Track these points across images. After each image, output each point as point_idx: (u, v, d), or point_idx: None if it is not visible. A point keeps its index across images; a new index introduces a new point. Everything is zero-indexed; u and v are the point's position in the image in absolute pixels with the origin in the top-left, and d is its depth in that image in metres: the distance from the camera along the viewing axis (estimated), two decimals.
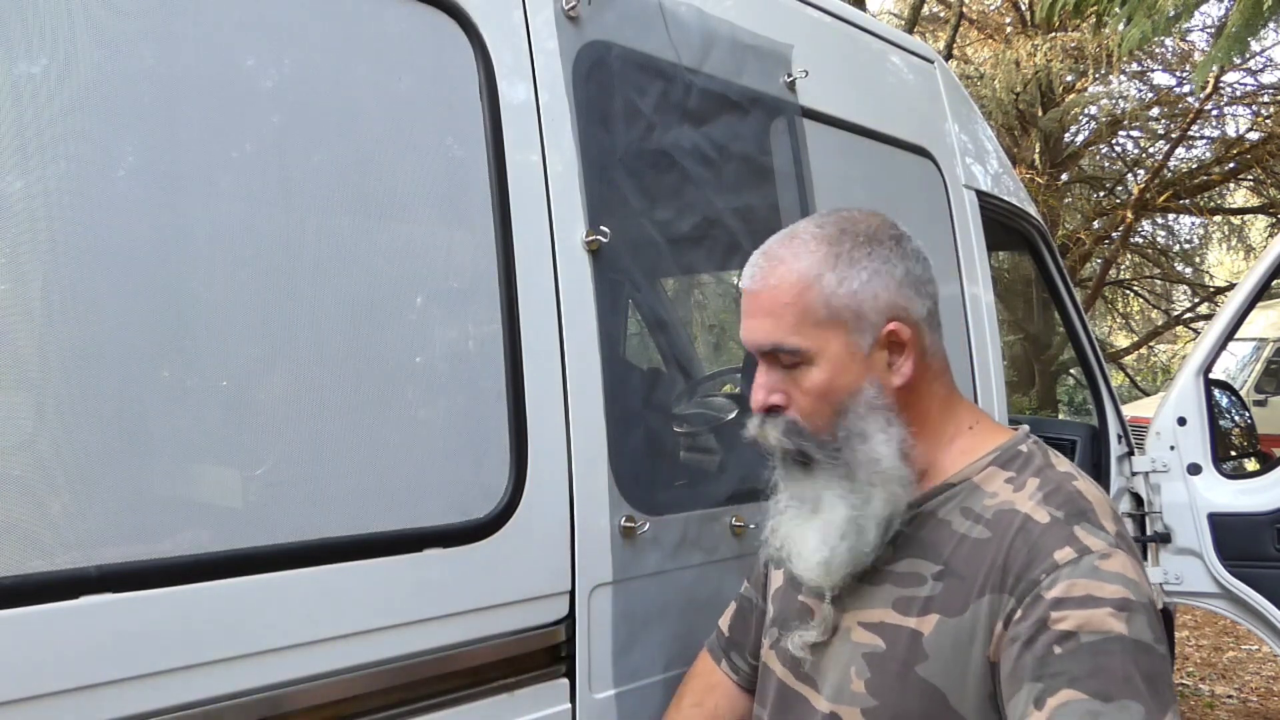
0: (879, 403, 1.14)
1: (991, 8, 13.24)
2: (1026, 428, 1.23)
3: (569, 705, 1.72)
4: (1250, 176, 12.36)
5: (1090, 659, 0.98)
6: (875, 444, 1.13)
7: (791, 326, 1.15)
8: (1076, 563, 1.03)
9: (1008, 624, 1.04)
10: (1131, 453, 3.52)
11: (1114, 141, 12.89)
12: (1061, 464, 1.16)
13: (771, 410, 1.19)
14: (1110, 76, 11.51)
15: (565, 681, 1.72)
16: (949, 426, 1.19)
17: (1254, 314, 3.43)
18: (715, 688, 1.59)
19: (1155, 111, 12.05)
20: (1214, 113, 11.75)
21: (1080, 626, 0.99)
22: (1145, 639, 0.99)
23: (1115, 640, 0.98)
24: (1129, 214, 11.57)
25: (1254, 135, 11.51)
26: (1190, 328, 13.63)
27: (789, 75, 2.29)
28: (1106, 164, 13.59)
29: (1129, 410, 4.93)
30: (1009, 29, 12.48)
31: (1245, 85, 11.40)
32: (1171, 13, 5.24)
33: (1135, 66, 11.68)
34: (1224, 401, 3.58)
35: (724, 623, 1.67)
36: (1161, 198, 11.68)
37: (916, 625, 1.11)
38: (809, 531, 1.17)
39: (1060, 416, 13.15)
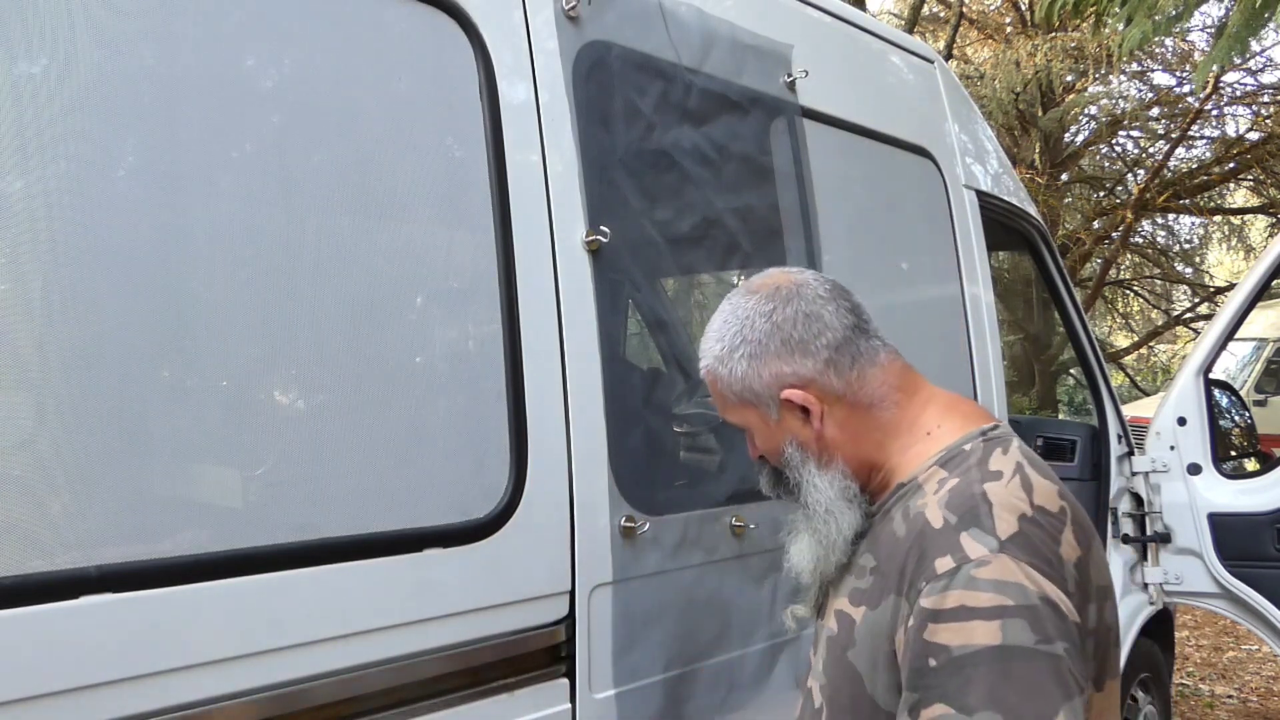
0: (802, 456, 1.29)
1: (991, 8, 13.24)
2: (987, 426, 1.27)
3: (569, 705, 1.72)
4: (1250, 176, 12.35)
5: (959, 673, 1.03)
6: (814, 487, 1.28)
7: (722, 408, 1.36)
8: (954, 573, 1.08)
9: (905, 627, 1.12)
10: (1131, 453, 3.51)
11: (1114, 141, 12.89)
12: (996, 463, 1.19)
13: (761, 460, 1.37)
14: (1110, 76, 11.51)
15: (565, 681, 1.72)
16: (901, 439, 1.28)
17: (1254, 314, 3.42)
18: None
19: (1155, 111, 12.04)
20: (1214, 113, 11.74)
21: (951, 640, 1.05)
22: (1023, 644, 1.03)
23: (985, 652, 1.03)
24: (1129, 214, 11.57)
25: (1254, 135, 11.51)
26: (1190, 328, 13.63)
27: (789, 75, 2.29)
28: (1106, 164, 13.58)
29: (1129, 410, 4.94)
30: (1009, 29, 12.47)
31: (1245, 85, 11.40)
32: (1172, 12, 5.24)
33: (1135, 66, 11.68)
34: (1224, 401, 3.58)
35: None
36: (1161, 198, 11.67)
37: (854, 614, 1.22)
38: (793, 546, 1.33)
39: (1060, 416, 13.15)
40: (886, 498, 1.28)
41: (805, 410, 1.26)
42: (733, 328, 1.32)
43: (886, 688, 1.15)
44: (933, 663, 1.06)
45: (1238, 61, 9.36)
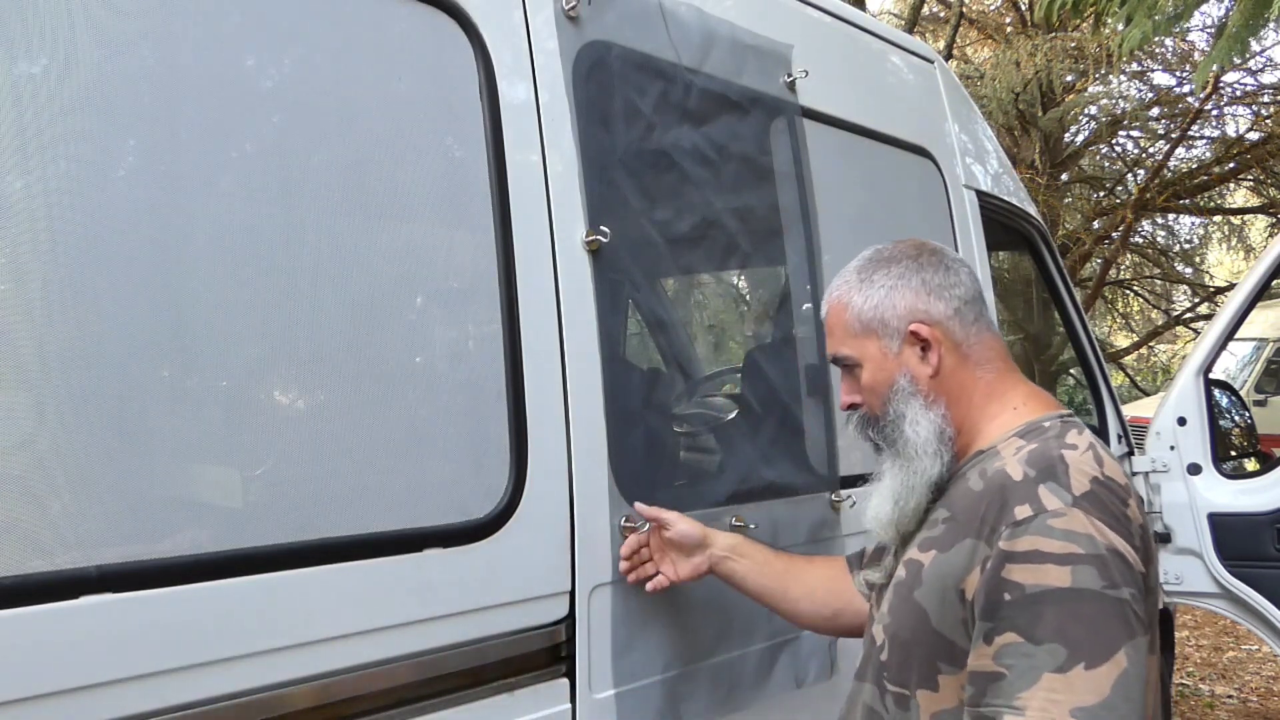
0: (913, 390, 1.40)
1: (991, 8, 13.23)
2: (1067, 411, 1.39)
3: (569, 705, 1.72)
4: (1250, 176, 12.34)
5: (1030, 607, 1.16)
6: (913, 423, 1.39)
7: (840, 340, 1.47)
8: (1031, 520, 1.20)
9: (982, 567, 1.24)
10: (1131, 453, 3.51)
11: (1114, 141, 12.87)
12: (1072, 437, 1.31)
13: (851, 408, 1.48)
14: (1110, 76, 11.50)
15: (565, 681, 1.72)
16: (993, 405, 1.40)
17: (1254, 314, 3.42)
18: (841, 581, 1.76)
19: (1155, 111, 12.03)
20: (1214, 113, 11.73)
21: (1025, 578, 1.18)
22: (1090, 587, 1.15)
23: (1054, 592, 1.15)
24: (1129, 214, 11.56)
25: (1254, 135, 11.49)
26: (1190, 328, 13.61)
27: (789, 75, 2.29)
28: (1106, 164, 13.56)
29: (1129, 410, 4.93)
30: (1009, 29, 12.47)
31: (1245, 85, 11.39)
32: (1171, 12, 5.24)
33: (1135, 66, 11.66)
34: (1224, 401, 3.57)
35: (869, 547, 1.78)
36: (1161, 198, 11.66)
37: (923, 558, 1.34)
38: (874, 496, 1.44)
39: None
40: (964, 462, 1.40)
41: (923, 349, 1.39)
42: (875, 263, 1.44)
43: (952, 622, 1.27)
44: (1008, 597, 1.18)
45: (1238, 61, 9.36)
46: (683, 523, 1.74)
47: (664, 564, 1.76)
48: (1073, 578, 1.16)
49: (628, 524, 1.79)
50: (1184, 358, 4.02)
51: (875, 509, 1.43)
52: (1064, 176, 12.75)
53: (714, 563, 1.75)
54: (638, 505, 1.75)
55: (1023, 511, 1.22)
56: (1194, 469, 3.17)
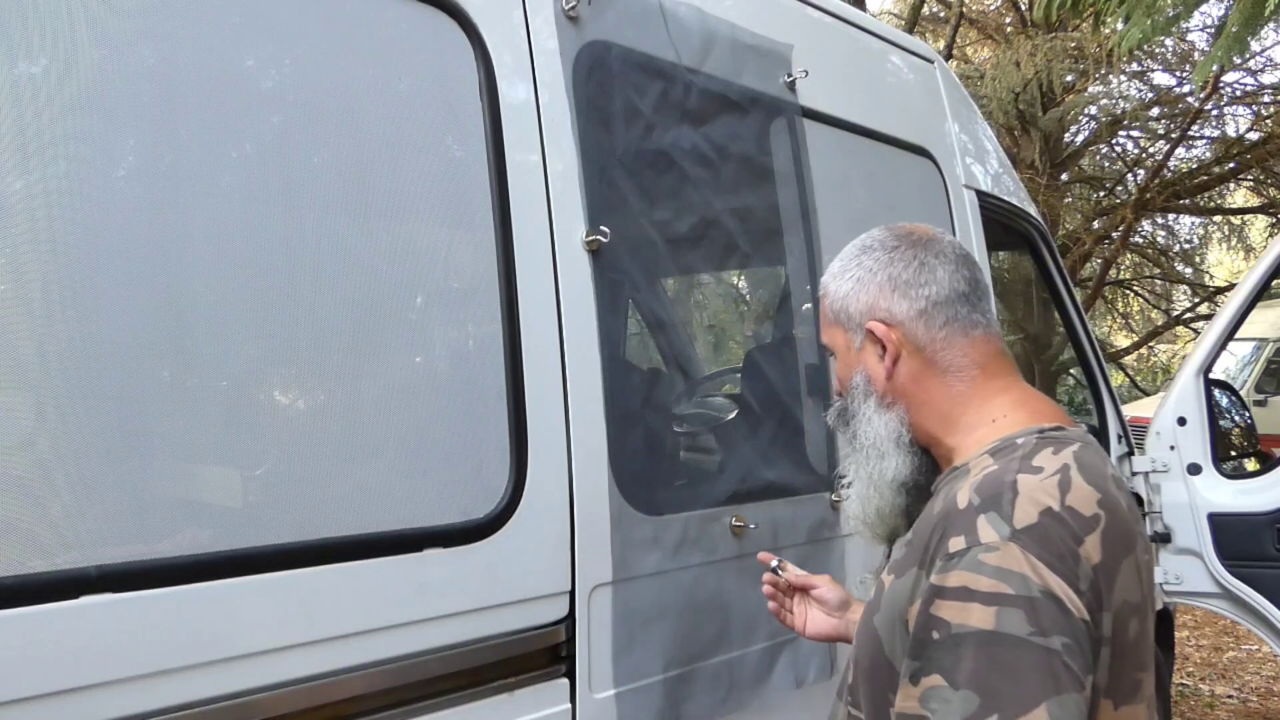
0: (868, 389, 1.34)
1: (991, 8, 13.23)
2: (1049, 425, 1.26)
3: (569, 705, 1.72)
4: (1250, 176, 12.33)
5: (954, 649, 1.07)
6: (866, 421, 1.33)
7: (821, 329, 1.42)
8: (963, 554, 1.10)
9: (921, 599, 1.14)
10: (1131, 453, 3.51)
11: (1114, 141, 12.85)
12: (1041, 459, 1.18)
13: (839, 396, 1.42)
14: (1110, 76, 11.49)
15: (565, 681, 1.72)
16: (969, 417, 1.29)
17: (1254, 314, 3.42)
18: None
19: (1155, 111, 12.02)
20: (1214, 113, 11.72)
21: (952, 616, 1.08)
22: (1014, 633, 1.05)
23: (976, 635, 1.06)
24: (1129, 214, 11.55)
25: (1254, 135, 11.48)
26: (1190, 328, 13.60)
27: (789, 75, 2.29)
28: (1106, 164, 13.55)
29: (1129, 410, 4.92)
30: (1009, 29, 12.46)
31: (1245, 85, 11.39)
32: (1170, 13, 5.24)
33: (1135, 66, 11.66)
34: (1224, 401, 3.57)
35: None
36: (1161, 198, 11.66)
37: (885, 581, 1.26)
38: (849, 496, 1.39)
39: None
40: (940, 479, 1.30)
41: (882, 348, 1.31)
42: (855, 251, 1.38)
43: (899, 652, 1.18)
44: (935, 635, 1.09)
45: (1238, 61, 9.36)
46: (828, 588, 1.66)
47: (796, 613, 1.70)
48: (996, 620, 1.05)
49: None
50: (1184, 358, 4.02)
51: (848, 508, 1.40)
52: (1064, 176, 12.74)
53: (845, 628, 1.64)
54: (788, 566, 1.69)
55: (956, 544, 1.11)
56: (1194, 469, 3.17)
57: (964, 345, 1.30)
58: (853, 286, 1.34)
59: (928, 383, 1.30)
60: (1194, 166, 12.44)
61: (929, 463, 1.34)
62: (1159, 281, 15.03)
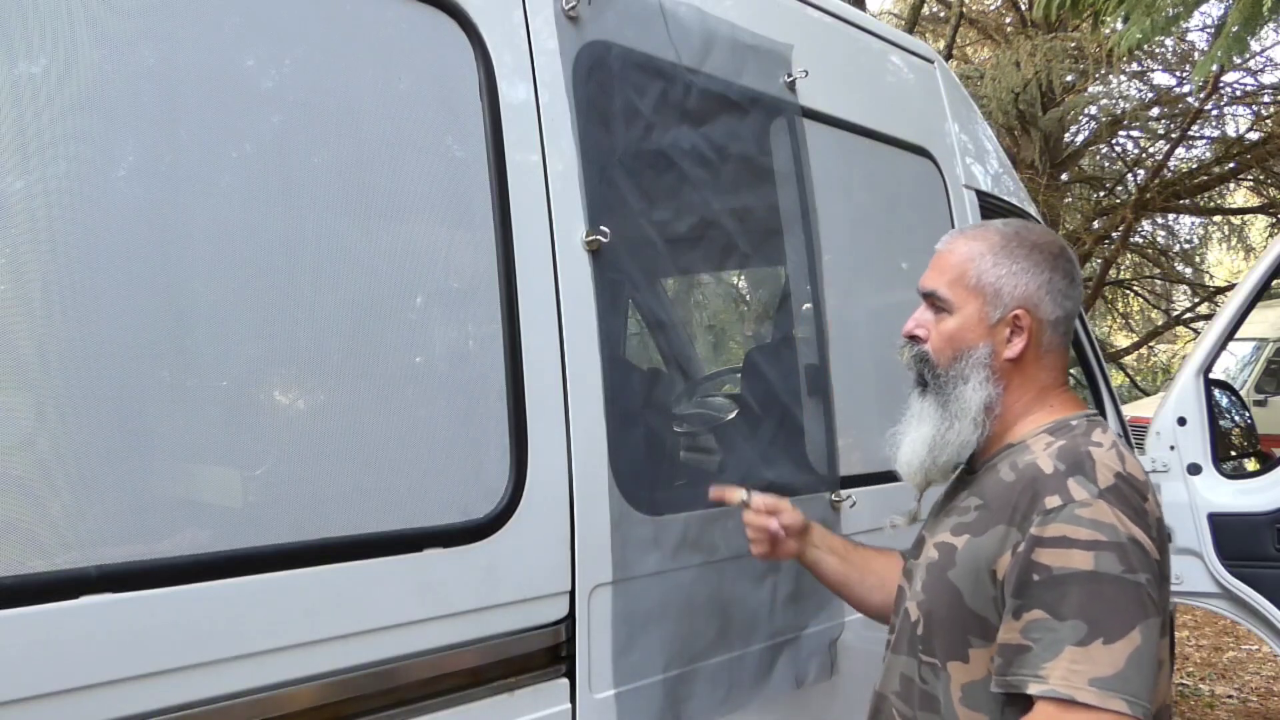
0: (985, 361, 1.48)
1: (991, 8, 13.22)
2: (1093, 411, 1.49)
3: (569, 705, 1.72)
4: (1250, 176, 12.32)
5: (1056, 588, 1.28)
6: (970, 389, 1.48)
7: (948, 282, 1.51)
8: (1060, 509, 1.31)
9: (1013, 551, 1.34)
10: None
11: (1114, 141, 12.85)
12: (1097, 436, 1.41)
13: (913, 339, 1.55)
14: (1110, 76, 11.49)
15: (565, 681, 1.72)
16: (1037, 405, 1.50)
17: (1254, 314, 3.42)
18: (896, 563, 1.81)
19: (1155, 111, 12.01)
20: (1214, 113, 11.72)
21: (1053, 561, 1.29)
22: (1111, 571, 1.26)
23: (1078, 575, 1.27)
24: (1129, 214, 11.55)
25: (1254, 135, 11.48)
26: (1190, 328, 13.59)
27: (789, 75, 2.29)
28: (1106, 164, 13.55)
29: (1129, 410, 4.92)
30: (1009, 29, 12.46)
31: (1245, 85, 11.38)
32: (1170, 12, 5.23)
33: (1135, 66, 11.65)
34: (1224, 401, 3.57)
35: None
36: (1161, 198, 11.65)
37: (956, 541, 1.45)
38: (907, 438, 1.54)
39: None
40: (995, 453, 1.50)
41: (1012, 333, 1.47)
42: (1023, 239, 1.50)
43: (984, 600, 1.38)
44: (1036, 578, 1.30)
45: (1238, 61, 9.36)
46: (790, 513, 1.79)
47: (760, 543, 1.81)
48: (1095, 562, 1.27)
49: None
50: (1184, 358, 4.02)
51: (909, 453, 1.53)
52: (1064, 176, 12.73)
53: (803, 549, 1.81)
54: (754, 495, 1.80)
55: (1053, 501, 1.32)
56: (1194, 469, 3.17)
57: (1062, 354, 1.52)
58: (1016, 271, 1.47)
59: (1028, 371, 1.49)
60: (1194, 166, 12.44)
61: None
62: (1159, 281, 15.03)
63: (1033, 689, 1.26)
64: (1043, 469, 1.38)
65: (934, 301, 1.53)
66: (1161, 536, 1.34)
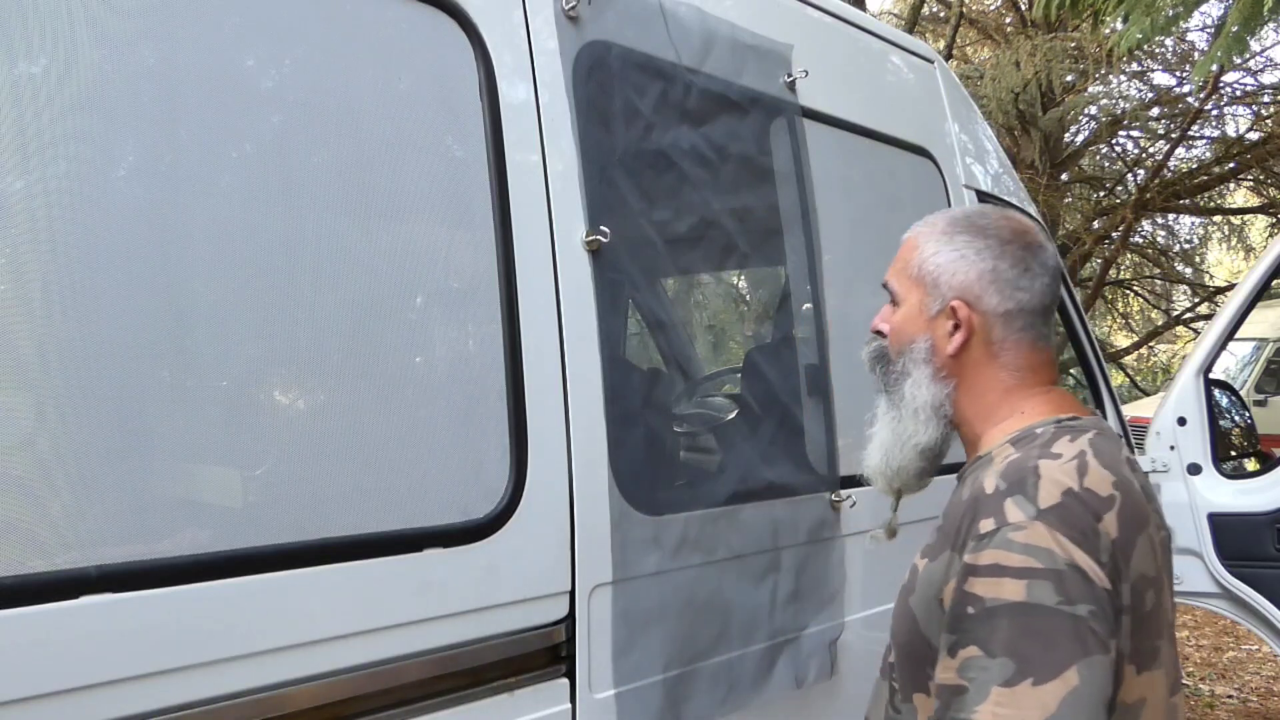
0: (925, 357, 1.38)
1: (991, 8, 13.23)
2: (1066, 416, 1.35)
3: (569, 705, 1.72)
4: (1250, 176, 12.32)
5: (988, 621, 1.15)
6: (911, 385, 1.39)
7: (895, 272, 1.44)
8: (994, 534, 1.18)
9: (955, 579, 1.22)
10: (1132, 452, 3.51)
11: (1114, 141, 12.85)
12: (1060, 446, 1.27)
13: (877, 334, 1.47)
14: (1110, 76, 11.49)
15: (565, 681, 1.72)
16: (1003, 410, 1.37)
17: (1254, 314, 3.42)
18: None
19: (1155, 111, 12.01)
20: (1214, 113, 11.72)
21: (985, 591, 1.16)
22: (1044, 602, 1.13)
23: (1009, 606, 1.14)
24: (1129, 214, 11.55)
25: (1254, 135, 11.48)
26: (1190, 328, 13.59)
27: (789, 75, 2.29)
28: (1106, 164, 13.55)
29: (1129, 410, 4.92)
30: (1009, 29, 12.46)
31: (1245, 85, 11.38)
32: (1170, 12, 5.23)
33: (1135, 66, 11.66)
34: (1224, 401, 3.57)
35: None
36: (1161, 198, 11.65)
37: (919, 565, 1.34)
38: (871, 443, 1.46)
39: None
40: (965, 467, 1.39)
41: (954, 326, 1.36)
42: (967, 225, 1.40)
43: (935, 629, 1.26)
44: (970, 610, 1.17)
45: (1237, 61, 9.36)
46: None
47: None
48: (1027, 592, 1.14)
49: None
50: (1184, 358, 4.02)
51: (870, 458, 1.45)
52: (1064, 176, 12.73)
53: None
54: None
55: (987, 525, 1.20)
56: (1194, 469, 3.17)
57: (1026, 352, 1.38)
58: (954, 259, 1.37)
59: (983, 371, 1.38)
60: (1194, 166, 12.44)
61: (951, 436, 1.42)
62: (1159, 281, 15.03)
63: None
64: (985, 488, 1.24)
65: (888, 293, 1.46)
66: (1120, 561, 1.18)
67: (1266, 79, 12.86)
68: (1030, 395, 1.37)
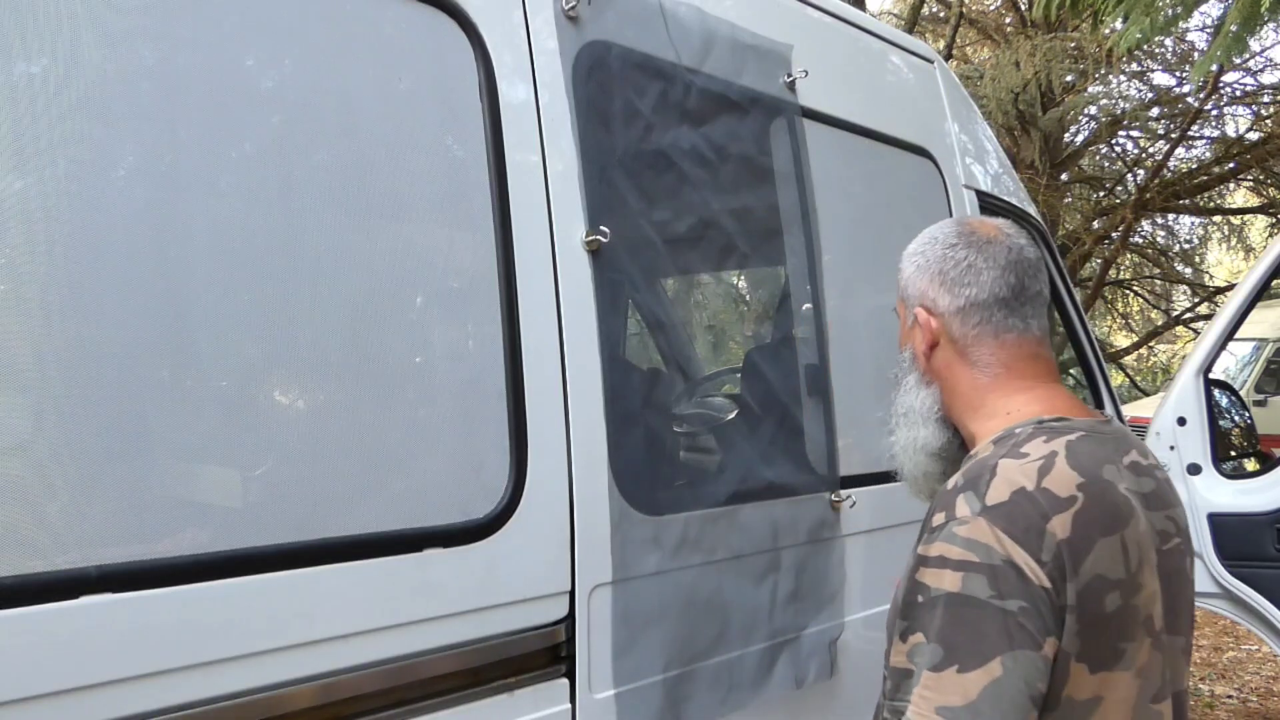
0: (913, 365, 1.49)
1: (991, 8, 13.23)
2: (1049, 417, 1.36)
3: (569, 705, 1.72)
4: (1250, 176, 12.32)
5: (930, 609, 1.22)
6: (903, 393, 1.50)
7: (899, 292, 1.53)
8: (942, 527, 1.25)
9: (909, 567, 1.30)
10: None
11: (1114, 141, 12.85)
12: (1030, 446, 1.29)
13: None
14: (1110, 76, 11.49)
15: (565, 681, 1.72)
16: (988, 408, 1.41)
17: (1254, 314, 3.41)
18: None
19: (1155, 111, 12.01)
20: (1214, 113, 11.71)
21: (930, 581, 1.23)
22: (976, 595, 1.18)
23: (946, 596, 1.20)
24: (1129, 214, 11.55)
25: (1254, 135, 11.48)
26: (1190, 328, 13.59)
27: (789, 75, 2.29)
28: (1106, 164, 13.55)
29: (1129, 410, 4.92)
30: (1009, 29, 12.46)
31: (1245, 85, 11.38)
32: (1169, 12, 5.24)
33: (1135, 66, 11.66)
34: (1224, 401, 3.57)
35: None
36: (1161, 198, 11.65)
37: (909, 557, 1.39)
38: (895, 452, 1.54)
39: None
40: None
41: (923, 334, 1.45)
42: (925, 237, 1.50)
43: None
44: (920, 599, 1.24)
45: (1237, 61, 9.36)
46: None
47: None
48: (962, 584, 1.19)
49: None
50: (1184, 358, 4.02)
51: (898, 465, 1.54)
52: (1064, 176, 12.73)
53: None
54: None
55: (938, 519, 1.27)
56: (1194, 469, 3.17)
57: (992, 345, 1.41)
58: (913, 270, 1.47)
59: (958, 371, 1.44)
60: (1194, 166, 12.44)
61: (959, 438, 1.47)
62: (1159, 281, 15.03)
63: (907, 715, 1.20)
64: (948, 484, 1.31)
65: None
66: (1063, 561, 1.19)
67: (1266, 79, 12.86)
68: (1014, 394, 1.40)
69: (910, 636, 1.24)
